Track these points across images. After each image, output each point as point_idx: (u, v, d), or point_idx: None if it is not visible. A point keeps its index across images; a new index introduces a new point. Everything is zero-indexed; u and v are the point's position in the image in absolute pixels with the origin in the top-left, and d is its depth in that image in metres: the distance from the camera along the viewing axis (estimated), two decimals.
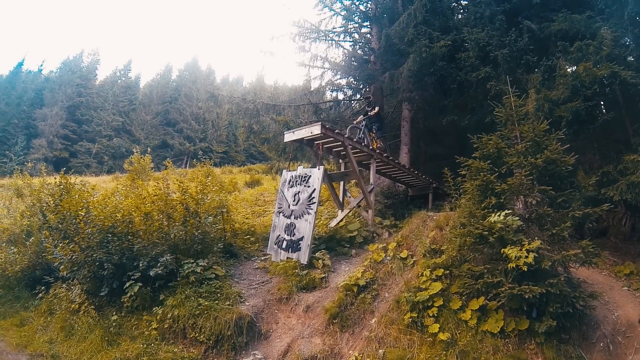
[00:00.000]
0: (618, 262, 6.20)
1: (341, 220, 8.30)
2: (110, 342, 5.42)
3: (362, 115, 10.15)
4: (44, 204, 7.95)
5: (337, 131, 7.83)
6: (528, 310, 4.40)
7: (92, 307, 6.09)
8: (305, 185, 7.24)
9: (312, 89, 12.60)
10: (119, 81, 50.49)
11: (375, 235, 7.72)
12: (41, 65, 51.54)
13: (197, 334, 5.33)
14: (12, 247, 8.15)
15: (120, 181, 11.47)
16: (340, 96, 12.93)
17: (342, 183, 8.81)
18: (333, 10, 12.19)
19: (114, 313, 5.88)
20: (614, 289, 5.53)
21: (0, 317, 6.69)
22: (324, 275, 6.35)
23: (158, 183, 7.63)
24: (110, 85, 48.80)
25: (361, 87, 12.60)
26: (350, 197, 8.94)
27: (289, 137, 7.97)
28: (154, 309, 5.77)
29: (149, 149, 14.81)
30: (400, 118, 11.43)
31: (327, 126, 7.66)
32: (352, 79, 12.47)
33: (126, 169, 12.50)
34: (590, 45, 6.92)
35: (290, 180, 7.65)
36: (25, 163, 12.12)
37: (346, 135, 7.87)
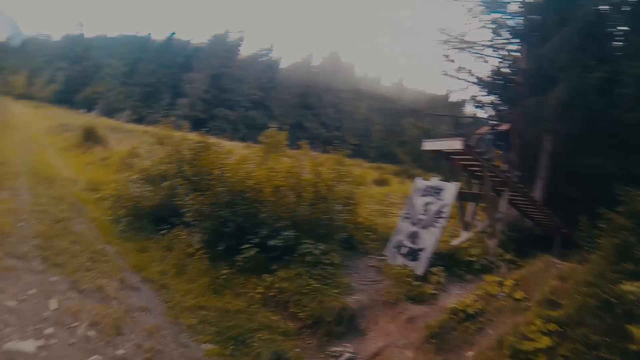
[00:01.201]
0: None
1: (464, 242, 7.95)
2: (216, 291, 5.77)
3: (488, 127, 9.43)
4: (182, 156, 8.50)
5: (477, 150, 7.66)
6: None
7: (207, 256, 6.43)
8: (437, 198, 7.26)
9: (454, 101, 12.02)
10: (261, 59, 54.70)
11: (493, 266, 7.18)
12: (190, 40, 60.11)
13: (298, 311, 5.48)
14: (148, 186, 8.87)
15: (252, 150, 11.95)
16: (481, 113, 12.01)
17: (472, 204, 8.59)
18: (482, 21, 11.48)
19: (226, 268, 6.20)
20: None
21: (126, 239, 7.33)
22: (435, 292, 6.20)
23: (292, 161, 7.87)
24: (252, 62, 53.13)
25: (504, 107, 11.59)
26: (477, 220, 8.63)
27: (428, 145, 8.11)
28: (264, 275, 6.04)
29: (283, 127, 15.18)
30: (540, 149, 10.32)
31: (469, 143, 7.55)
32: (495, 98, 11.34)
33: (261, 141, 12.91)
34: None
35: (423, 188, 7.74)
36: (168, 117, 13.30)
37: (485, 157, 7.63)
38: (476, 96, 11.81)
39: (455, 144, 7.20)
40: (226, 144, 14.29)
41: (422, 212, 7.37)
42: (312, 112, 48.93)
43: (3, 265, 4.64)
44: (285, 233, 6.53)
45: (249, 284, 6.03)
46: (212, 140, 9.21)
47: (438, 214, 7.03)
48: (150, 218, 8.15)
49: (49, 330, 3.72)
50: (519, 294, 5.45)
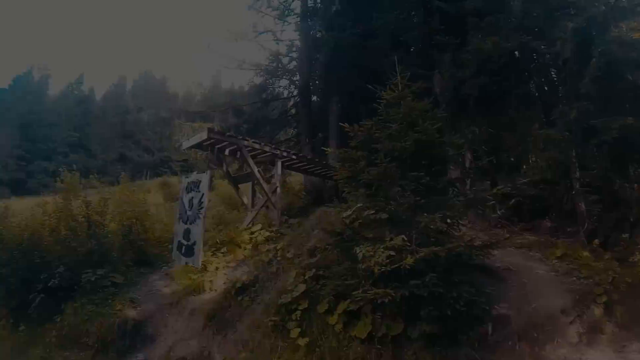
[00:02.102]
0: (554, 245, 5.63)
1: (251, 222, 8.10)
2: (21, 351, 5.98)
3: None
4: None
5: (228, 134, 7.90)
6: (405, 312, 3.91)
7: (8, 320, 6.68)
8: (196, 191, 7.22)
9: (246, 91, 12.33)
10: (73, 95, 49.42)
11: (279, 235, 7.45)
12: None
13: (87, 339, 5.69)
14: None
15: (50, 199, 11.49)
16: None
17: (250, 184, 8.74)
18: (262, 12, 11.79)
19: (24, 325, 6.46)
20: (539, 276, 4.95)
21: None
22: (212, 279, 6.35)
23: (63, 198, 8.03)
24: (63, 100, 47.83)
25: (294, 86, 12.43)
26: (259, 198, 8.77)
27: (185, 144, 8.25)
28: (55, 317, 6.21)
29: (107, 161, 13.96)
30: (329, 114, 11.15)
31: (216, 130, 7.90)
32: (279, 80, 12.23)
33: (57, 187, 12.22)
34: (499, 18, 6.59)
35: (187, 186, 7.67)
36: None
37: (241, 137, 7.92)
38: (262, 83, 12.25)
39: (203, 135, 7.42)
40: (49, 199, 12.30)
41: (189, 208, 7.36)
42: (132, 140, 45.36)
43: None
44: (59, 270, 6.71)
45: (45, 330, 6.14)
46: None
47: (199, 205, 7.07)
48: None
49: None
50: (290, 253, 5.82)
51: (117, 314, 5.95)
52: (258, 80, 12.40)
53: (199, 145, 7.96)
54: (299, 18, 11.87)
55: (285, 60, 12.05)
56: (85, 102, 48.75)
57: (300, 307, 4.46)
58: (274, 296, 4.91)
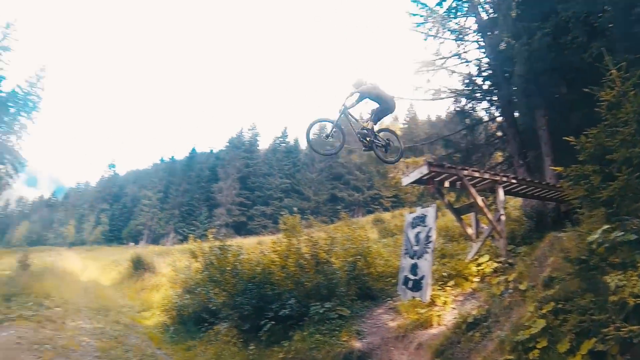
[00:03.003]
0: None
1: (476, 253, 7.76)
2: None
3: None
4: (209, 262, 9.90)
5: (448, 166, 7.73)
6: None
7: (240, 339, 7.66)
8: (422, 225, 7.53)
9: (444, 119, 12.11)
10: (280, 147, 57.16)
11: (507, 265, 6.91)
12: (211, 149, 64.28)
13: None
14: (187, 295, 10.71)
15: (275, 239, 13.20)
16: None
17: (473, 215, 8.43)
18: (440, 38, 11.48)
19: (253, 345, 7.30)
20: None
21: (174, 343, 8.83)
22: (441, 313, 6.31)
23: (291, 239, 9.14)
24: (272, 153, 55.77)
25: (495, 106, 11.58)
26: (483, 227, 8.36)
27: (405, 180, 8.30)
28: (283, 342, 6.91)
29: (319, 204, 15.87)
30: (537, 130, 9.88)
31: (435, 163, 7.71)
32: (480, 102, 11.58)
33: (280, 228, 14.44)
34: None
35: (412, 221, 8.07)
36: (209, 229, 15.67)
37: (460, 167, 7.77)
38: (462, 107, 11.57)
39: (423, 169, 7.44)
40: (267, 239, 15.82)
41: (415, 243, 7.64)
42: (341, 182, 49.92)
43: None
44: (290, 302, 7.56)
45: (272, 353, 6.86)
46: (231, 242, 11.04)
47: (426, 240, 7.27)
48: (192, 322, 9.65)
49: None
50: (523, 285, 5.31)
51: (344, 345, 6.28)
52: (454, 105, 11.87)
53: (418, 180, 7.96)
54: (479, 34, 11.39)
55: (479, 80, 11.44)
56: (293, 152, 56.73)
57: (539, 346, 3.99)
58: (508, 332, 4.53)
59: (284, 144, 59.34)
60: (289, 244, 9.04)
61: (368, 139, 5.16)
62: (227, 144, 60.04)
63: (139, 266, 18.30)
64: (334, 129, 5.08)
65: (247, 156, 55.25)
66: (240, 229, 44.61)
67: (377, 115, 5.29)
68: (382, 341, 6.29)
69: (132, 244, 49.76)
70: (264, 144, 61.69)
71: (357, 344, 6.31)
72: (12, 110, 17.26)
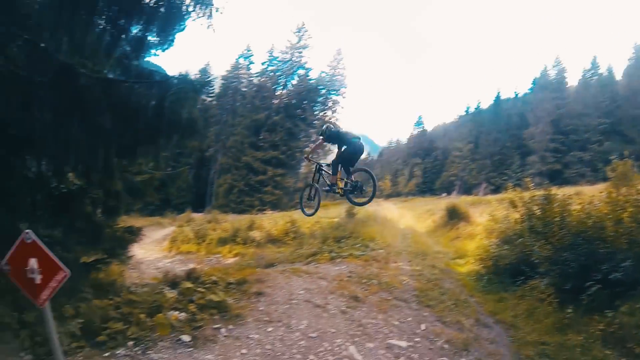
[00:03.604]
0: None
1: None
2: (559, 329, 6.20)
3: None
4: (531, 212, 9.17)
5: None
6: None
7: (556, 299, 6.94)
8: None
9: None
10: (591, 81, 47.70)
11: None
12: (516, 93, 56.80)
13: (634, 346, 5.21)
14: (505, 246, 9.94)
15: (601, 188, 11.16)
16: None
17: None
18: None
19: (571, 308, 6.50)
20: None
21: (486, 292, 8.77)
22: None
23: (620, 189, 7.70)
24: (583, 88, 46.86)
25: None
26: None
27: None
28: (606, 311, 5.97)
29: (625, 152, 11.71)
30: None
31: None
32: None
33: (608, 176, 11.25)
34: None
35: None
36: (523, 178, 14.04)
37: None
38: None
39: None
40: (586, 190, 13.60)
41: None
42: None
43: (392, 304, 7.24)
44: (624, 265, 6.25)
45: (591, 321, 6.08)
46: (557, 191, 9.82)
47: None
48: (507, 273, 9.29)
49: (417, 339, 5.69)
50: None
51: None
52: None
53: None
54: None
55: None
56: (608, 85, 45.90)
57: None
58: None
59: (595, 77, 49.02)
60: (623, 194, 7.68)
61: (338, 190, 5.09)
62: (532, 86, 54.72)
63: (454, 215, 18.88)
64: (312, 190, 5.50)
65: (556, 96, 48.19)
66: (555, 178, 39.03)
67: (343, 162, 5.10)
68: None
69: (444, 194, 51.40)
70: (572, 81, 52.42)
71: None
72: (322, 91, 22.86)
